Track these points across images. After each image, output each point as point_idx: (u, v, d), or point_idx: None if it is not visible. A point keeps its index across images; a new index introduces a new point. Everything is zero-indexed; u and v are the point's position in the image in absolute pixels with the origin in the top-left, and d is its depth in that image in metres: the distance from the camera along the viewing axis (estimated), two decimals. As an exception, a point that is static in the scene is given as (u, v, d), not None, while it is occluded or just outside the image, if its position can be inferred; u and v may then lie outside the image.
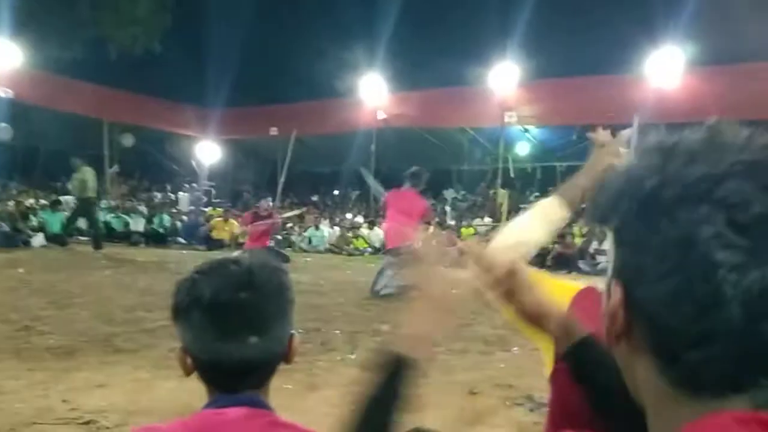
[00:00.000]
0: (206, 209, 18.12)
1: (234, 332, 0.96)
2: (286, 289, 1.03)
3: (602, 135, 1.46)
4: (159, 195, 20.08)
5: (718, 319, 0.46)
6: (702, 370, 0.49)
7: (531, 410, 3.33)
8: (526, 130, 18.51)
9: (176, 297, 1.00)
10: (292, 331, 1.06)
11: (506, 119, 16.27)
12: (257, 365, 0.99)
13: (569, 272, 11.08)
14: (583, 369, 0.84)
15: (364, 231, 16.14)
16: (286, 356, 1.05)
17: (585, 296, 1.02)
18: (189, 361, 1.01)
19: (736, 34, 13.84)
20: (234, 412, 0.98)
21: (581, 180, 1.41)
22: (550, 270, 12.28)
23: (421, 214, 7.15)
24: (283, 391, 3.37)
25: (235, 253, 1.05)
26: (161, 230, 15.35)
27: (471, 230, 15.89)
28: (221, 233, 15.01)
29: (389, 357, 0.89)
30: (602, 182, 0.58)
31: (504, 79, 16.15)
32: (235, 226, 15.23)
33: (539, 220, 1.30)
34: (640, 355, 0.53)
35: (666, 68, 14.05)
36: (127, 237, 14.70)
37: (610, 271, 0.56)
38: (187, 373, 1.03)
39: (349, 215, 18.94)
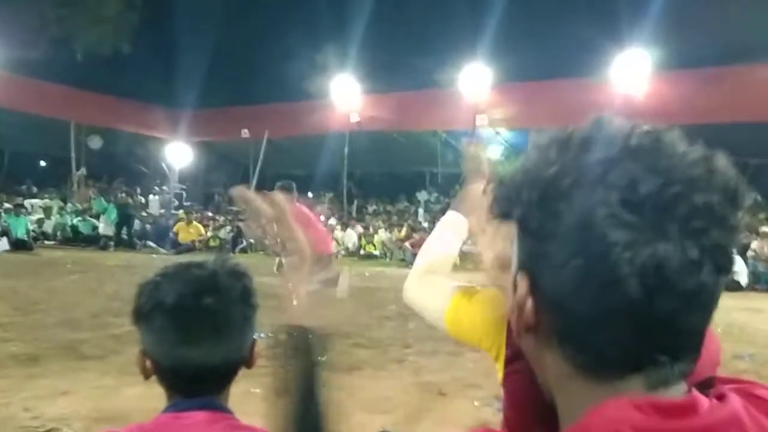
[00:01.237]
0: (177, 212, 17.88)
1: (196, 337, 0.96)
2: (250, 295, 1.03)
3: (473, 147, 1.48)
4: (130, 199, 19.74)
5: (617, 297, 0.48)
6: (605, 350, 0.51)
7: (499, 410, 3.36)
8: (498, 133, 18.71)
9: (138, 300, 0.99)
10: (256, 337, 1.06)
11: (478, 122, 16.42)
12: (218, 370, 0.99)
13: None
14: None
15: (338, 233, 16.11)
16: (248, 361, 1.05)
17: None
18: (149, 364, 1.01)
19: (702, 38, 14.20)
20: (193, 416, 0.98)
21: (469, 194, 1.41)
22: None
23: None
24: (250, 395, 3.34)
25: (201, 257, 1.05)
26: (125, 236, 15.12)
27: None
28: (186, 236, 14.87)
29: (288, 330, 0.93)
30: (498, 179, 0.60)
31: (475, 81, 16.30)
32: (199, 228, 15.11)
33: (452, 235, 1.34)
34: (548, 345, 0.54)
35: (633, 72, 14.34)
36: (95, 240, 14.42)
37: (514, 267, 0.57)
38: (146, 377, 1.02)
39: (322, 218, 18.87)
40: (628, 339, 0.50)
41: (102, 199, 15.22)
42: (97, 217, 14.91)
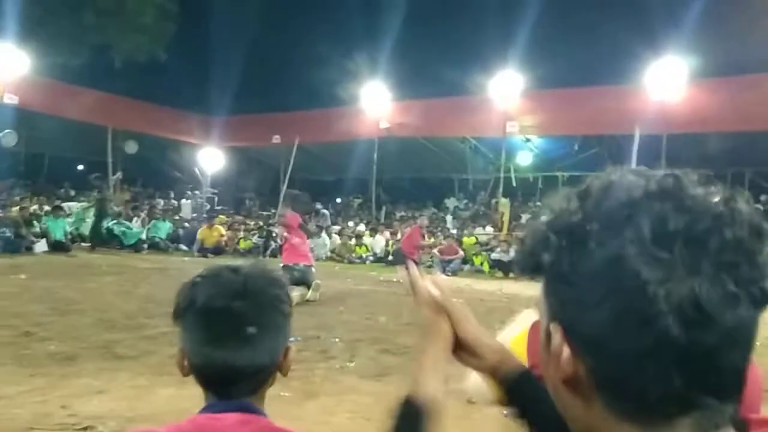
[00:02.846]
0: (208, 216, 18.18)
1: (222, 338, 0.98)
2: (281, 302, 1.04)
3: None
4: (162, 202, 20.13)
5: (656, 335, 0.48)
6: (647, 393, 0.50)
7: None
8: (528, 140, 18.55)
9: (177, 298, 1.04)
10: (288, 344, 1.07)
11: (508, 129, 16.31)
12: (245, 373, 1.00)
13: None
14: (524, 402, 0.86)
15: (367, 239, 16.14)
16: (280, 367, 1.06)
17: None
18: (185, 362, 1.04)
19: (738, 46, 13.88)
20: (228, 418, 1.00)
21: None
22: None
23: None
24: (279, 399, 3.38)
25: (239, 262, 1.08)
26: (158, 239, 15.35)
27: (472, 239, 15.89)
28: (210, 239, 15.03)
29: (405, 403, 0.90)
30: (519, 239, 0.60)
31: (506, 88, 16.19)
32: (221, 230, 15.30)
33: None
34: (587, 394, 0.54)
35: (668, 79, 14.08)
36: (130, 244, 14.73)
37: (545, 321, 0.58)
38: (184, 374, 1.05)
39: (351, 223, 18.96)
40: (669, 379, 0.49)
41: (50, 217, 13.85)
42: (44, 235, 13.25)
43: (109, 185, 17.68)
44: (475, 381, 1.13)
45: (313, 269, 7.98)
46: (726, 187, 0.53)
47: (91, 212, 15.68)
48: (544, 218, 0.56)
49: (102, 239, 14.17)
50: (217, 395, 1.02)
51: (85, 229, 15.05)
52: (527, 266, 0.58)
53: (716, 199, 0.51)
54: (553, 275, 0.55)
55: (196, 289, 1.01)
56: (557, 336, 0.54)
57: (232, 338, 0.99)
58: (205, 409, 1.04)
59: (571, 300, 0.53)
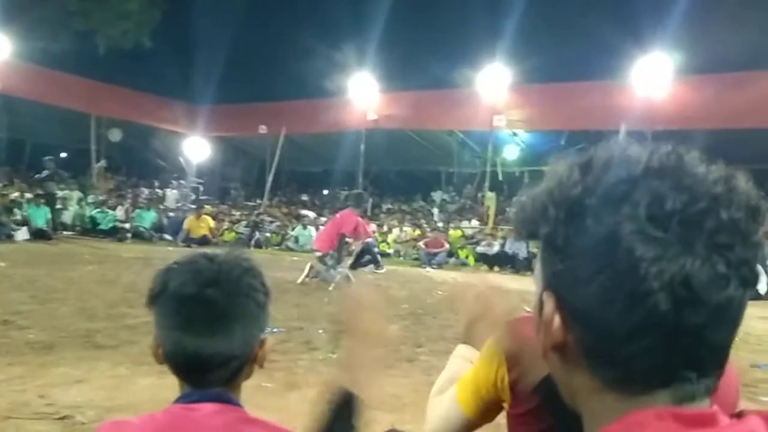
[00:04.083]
0: (193, 206, 18.03)
1: (192, 325, 0.97)
2: (255, 291, 1.02)
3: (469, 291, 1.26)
4: (146, 191, 19.94)
5: (646, 310, 0.49)
6: (633, 364, 0.51)
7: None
8: (515, 134, 18.61)
9: (151, 284, 1.03)
10: (264, 335, 1.05)
11: (495, 123, 16.35)
12: (214, 362, 0.99)
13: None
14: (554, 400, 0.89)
15: (352, 231, 16.11)
16: (255, 358, 1.05)
17: (517, 323, 1.06)
18: (159, 350, 1.03)
19: (723, 44, 14.00)
20: (203, 408, 0.98)
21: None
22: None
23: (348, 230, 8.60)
24: (262, 390, 3.37)
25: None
26: (142, 228, 15.18)
27: (458, 232, 15.94)
28: (197, 230, 14.79)
29: (337, 393, 0.98)
30: (520, 204, 0.61)
31: (494, 82, 16.22)
32: (208, 221, 15.14)
33: (462, 362, 1.32)
34: (576, 361, 0.56)
35: (653, 76, 14.19)
36: (112, 232, 14.59)
37: (539, 287, 0.59)
38: (159, 362, 1.04)
39: (337, 215, 18.89)
40: (656, 353, 0.51)
41: None
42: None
43: (92, 173, 17.50)
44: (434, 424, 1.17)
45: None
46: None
47: (74, 199, 15.52)
48: (545, 186, 0.57)
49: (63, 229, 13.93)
50: (191, 384, 1.01)
51: (68, 217, 14.89)
52: (524, 232, 0.59)
53: (716, 179, 0.51)
54: (549, 245, 0.56)
55: (169, 275, 1.01)
56: (549, 304, 0.56)
57: (202, 326, 0.97)
58: (179, 399, 1.02)
59: (565, 272, 0.54)
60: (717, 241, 0.49)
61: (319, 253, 8.61)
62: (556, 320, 0.55)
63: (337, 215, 9.08)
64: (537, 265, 0.60)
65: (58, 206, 14.71)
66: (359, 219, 8.86)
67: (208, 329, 0.97)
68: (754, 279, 0.51)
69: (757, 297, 9.74)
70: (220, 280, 0.99)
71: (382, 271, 10.83)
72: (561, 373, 0.59)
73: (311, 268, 8.48)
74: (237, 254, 1.07)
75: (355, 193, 8.81)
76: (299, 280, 8.24)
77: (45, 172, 15.08)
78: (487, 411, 1.09)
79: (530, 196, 0.58)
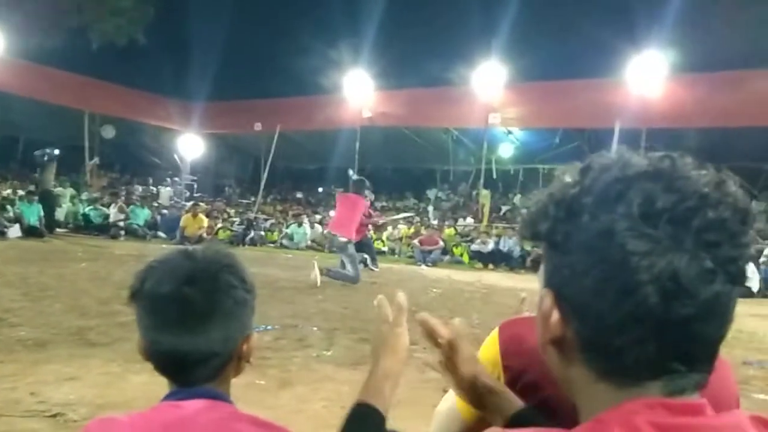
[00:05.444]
0: (187, 204, 17.98)
1: (168, 323, 0.97)
2: (233, 288, 1.00)
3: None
4: (140, 188, 19.87)
5: (636, 303, 0.52)
6: (625, 356, 0.54)
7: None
8: (510, 132, 18.63)
9: (132, 282, 1.02)
10: (249, 332, 1.04)
11: (490, 120, 16.36)
12: (191, 360, 0.98)
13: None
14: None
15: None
16: (240, 355, 1.03)
17: (510, 324, 1.05)
18: (144, 348, 1.02)
19: (718, 42, 14.06)
20: (192, 405, 0.97)
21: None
22: (529, 271, 12.38)
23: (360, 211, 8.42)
24: (255, 387, 3.35)
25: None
26: (136, 225, 15.07)
27: (453, 230, 15.96)
28: (193, 229, 14.63)
29: (359, 407, 0.98)
30: (525, 207, 0.64)
31: (489, 80, 16.23)
32: (204, 220, 15.06)
33: None
34: (572, 354, 0.59)
35: (648, 74, 14.22)
36: (106, 229, 14.52)
37: (540, 286, 0.62)
38: (145, 358, 1.03)
39: (332, 213, 18.90)
40: (647, 344, 0.53)
41: None
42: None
43: (86, 170, 17.40)
44: None
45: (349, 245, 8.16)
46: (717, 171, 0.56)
47: (67, 197, 15.43)
48: (549, 189, 0.61)
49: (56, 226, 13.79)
50: (176, 382, 1.00)
51: (60, 214, 14.79)
52: (527, 234, 0.63)
53: (706, 182, 0.54)
54: (549, 243, 0.60)
55: (147, 274, 1.00)
56: (548, 300, 0.59)
57: (178, 324, 0.96)
58: (168, 397, 1.02)
59: (562, 267, 0.58)
60: (704, 238, 0.52)
61: (342, 239, 8.04)
62: (555, 315, 0.58)
63: (348, 196, 8.58)
64: (541, 266, 0.63)
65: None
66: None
67: (184, 327, 0.96)
68: (742, 276, 0.54)
69: (749, 295, 9.80)
70: (197, 278, 0.98)
71: (377, 270, 10.75)
72: (559, 367, 0.62)
73: (320, 267, 8.10)
74: (216, 251, 1.06)
75: (357, 179, 8.72)
76: (318, 283, 7.79)
77: (40, 166, 14.81)
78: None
79: (533, 200, 0.62)
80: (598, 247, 0.54)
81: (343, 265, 8.23)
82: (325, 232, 9.46)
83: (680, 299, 0.52)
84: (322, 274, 7.96)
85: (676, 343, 0.54)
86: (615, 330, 0.54)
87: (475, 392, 0.96)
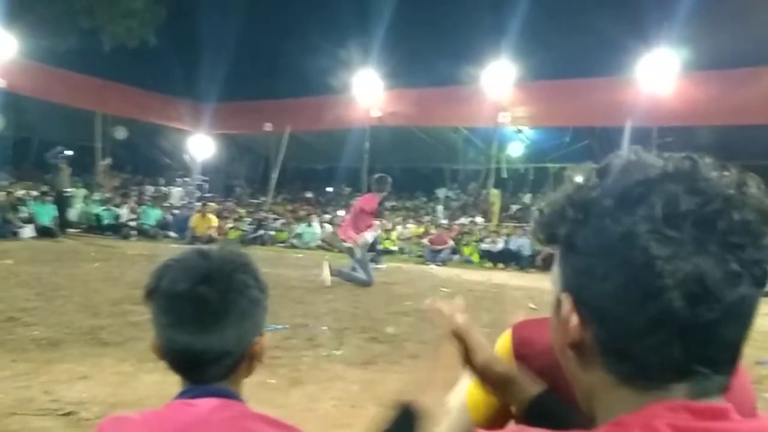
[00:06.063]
0: (198, 204, 18.07)
1: (183, 322, 0.98)
2: (248, 288, 1.02)
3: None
4: (151, 188, 19.99)
5: (660, 307, 0.51)
6: (649, 359, 0.54)
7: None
8: (520, 131, 18.56)
9: (148, 281, 1.03)
10: (262, 331, 1.05)
11: (500, 120, 16.31)
12: (206, 358, 0.99)
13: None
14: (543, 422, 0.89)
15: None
16: (252, 355, 1.04)
17: (523, 325, 1.05)
18: (158, 346, 1.03)
19: (729, 39, 13.91)
20: (205, 403, 0.98)
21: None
22: (539, 271, 12.33)
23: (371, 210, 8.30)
24: (265, 386, 3.37)
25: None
26: (147, 225, 15.17)
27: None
28: (202, 228, 14.67)
29: (400, 407, 1.00)
30: (538, 209, 0.63)
31: (498, 79, 16.17)
32: (213, 220, 15.12)
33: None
34: (591, 358, 0.58)
35: (659, 72, 14.11)
36: (117, 229, 14.63)
37: (558, 289, 0.61)
38: (159, 357, 1.04)
39: (341, 212, 18.93)
40: (670, 348, 0.52)
41: None
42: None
43: (98, 171, 17.52)
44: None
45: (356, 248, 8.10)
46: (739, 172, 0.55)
47: (80, 197, 15.54)
48: (564, 191, 0.59)
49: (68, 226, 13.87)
50: (189, 380, 1.01)
51: (73, 215, 14.92)
52: (543, 237, 0.62)
53: (728, 183, 0.53)
54: (567, 247, 0.59)
55: (163, 272, 1.01)
56: (567, 304, 0.58)
57: (193, 322, 0.97)
58: (180, 395, 1.03)
59: (582, 271, 0.57)
60: (729, 240, 0.51)
61: (347, 244, 8.14)
62: (574, 319, 0.57)
63: (360, 198, 8.86)
64: (554, 269, 0.62)
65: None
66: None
67: (199, 326, 0.97)
68: (765, 278, 0.53)
69: (765, 294, 9.70)
70: (212, 277, 0.99)
71: (383, 267, 10.77)
72: (577, 371, 0.61)
73: (330, 267, 8.11)
74: (231, 250, 1.06)
75: (378, 176, 8.62)
76: (328, 283, 7.81)
77: (53, 166, 14.87)
78: (497, 416, 1.08)
79: (548, 202, 0.61)
80: (619, 251, 0.53)
81: (354, 268, 8.23)
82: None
83: (706, 303, 0.51)
84: (332, 274, 7.98)
85: (700, 347, 0.53)
86: (637, 334, 0.53)
87: (490, 379, 0.97)
